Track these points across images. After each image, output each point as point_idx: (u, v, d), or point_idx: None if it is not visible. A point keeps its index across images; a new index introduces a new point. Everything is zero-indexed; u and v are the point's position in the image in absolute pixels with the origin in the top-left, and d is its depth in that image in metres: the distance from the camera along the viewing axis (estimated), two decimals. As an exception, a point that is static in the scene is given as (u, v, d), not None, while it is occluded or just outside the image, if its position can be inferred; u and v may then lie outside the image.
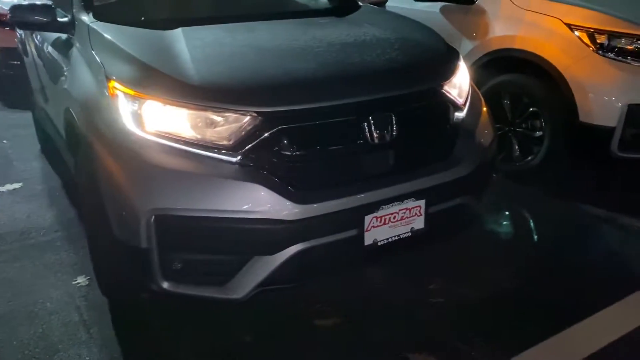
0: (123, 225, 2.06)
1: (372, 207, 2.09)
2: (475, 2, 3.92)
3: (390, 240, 2.17)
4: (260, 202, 1.96)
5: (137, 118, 2.04)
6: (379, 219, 2.11)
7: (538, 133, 3.64)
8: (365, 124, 2.10)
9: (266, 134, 2.01)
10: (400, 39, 2.61)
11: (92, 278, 2.70)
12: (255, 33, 2.58)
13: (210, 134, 2.02)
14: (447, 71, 2.46)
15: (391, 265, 2.69)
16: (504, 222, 3.30)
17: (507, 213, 3.41)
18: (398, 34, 2.67)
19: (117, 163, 2.06)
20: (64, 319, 2.47)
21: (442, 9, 4.13)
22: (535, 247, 2.98)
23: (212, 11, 3.00)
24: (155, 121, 2.04)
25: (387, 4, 3.88)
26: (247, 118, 2.01)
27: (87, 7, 2.69)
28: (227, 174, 1.98)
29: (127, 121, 2.05)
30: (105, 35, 2.42)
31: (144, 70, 2.14)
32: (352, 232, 2.09)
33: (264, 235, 1.99)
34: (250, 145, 2.00)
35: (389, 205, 2.12)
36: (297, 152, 2.03)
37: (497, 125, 3.14)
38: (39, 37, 3.63)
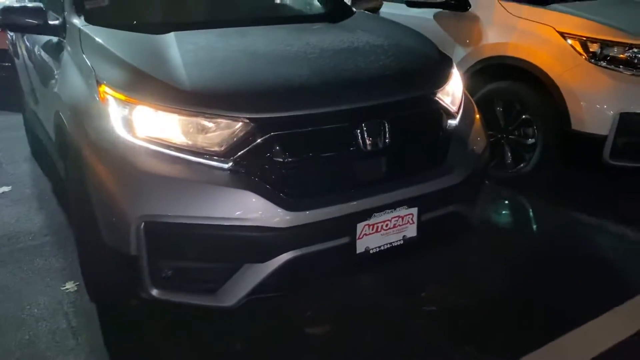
0: (112, 231, 2.04)
1: (365, 214, 2.07)
2: (468, 9, 3.93)
3: (382, 248, 2.15)
4: (251, 209, 1.94)
5: (128, 123, 2.02)
6: (371, 227, 2.10)
7: (530, 140, 3.64)
8: (358, 131, 2.09)
9: (258, 141, 1.99)
10: (393, 45, 2.61)
11: (80, 284, 2.67)
12: (248, 38, 2.56)
13: (202, 140, 2.00)
14: (441, 78, 2.46)
15: (383, 272, 2.67)
16: (496, 229, 3.30)
17: (499, 220, 3.41)
18: (391, 40, 2.67)
19: (107, 169, 2.04)
20: (52, 326, 2.43)
21: (435, 16, 4.14)
22: (528, 254, 2.97)
23: (205, 16, 2.98)
24: (146, 127, 2.02)
25: (381, 10, 3.88)
26: (239, 124, 1.99)
27: (79, 10, 2.67)
28: (218, 180, 1.96)
29: (118, 126, 2.03)
30: (97, 38, 2.39)
31: (135, 74, 2.12)
32: (344, 240, 2.07)
33: (255, 243, 1.97)
34: (241, 152, 1.99)
35: (382, 212, 2.10)
36: (289, 159, 2.02)
37: (490, 132, 3.16)
38: (30, 39, 3.60)
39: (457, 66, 2.70)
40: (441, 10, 4.08)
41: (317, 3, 3.36)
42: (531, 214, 3.49)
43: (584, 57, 3.35)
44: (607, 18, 3.47)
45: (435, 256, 2.71)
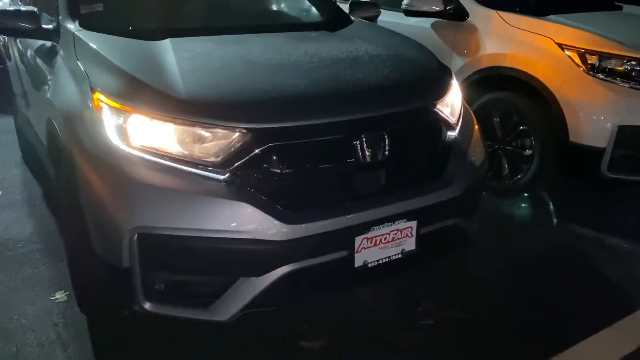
0: (104, 242, 1.99)
1: (363, 227, 2.04)
2: (466, 19, 3.92)
3: (380, 262, 2.11)
4: (248, 221, 1.90)
5: (122, 132, 1.98)
6: (369, 240, 2.06)
7: (528, 152, 3.62)
8: (357, 142, 2.06)
9: (256, 151, 1.95)
10: (393, 55, 2.58)
11: (70, 294, 2.61)
12: (245, 46, 2.52)
13: (198, 150, 1.96)
14: (440, 89, 2.43)
15: (379, 285, 2.63)
16: (492, 241, 3.26)
17: (495, 232, 3.37)
18: (391, 50, 2.64)
19: (100, 178, 1.99)
20: (40, 337, 2.37)
21: (433, 25, 4.12)
22: (525, 267, 2.94)
23: (201, 22, 2.94)
24: (141, 136, 1.97)
25: (379, 18, 3.86)
26: (237, 134, 1.95)
27: (74, 14, 2.62)
28: (214, 192, 1.92)
29: (112, 135, 1.98)
30: (91, 44, 2.35)
31: (130, 82, 2.08)
32: (342, 254, 2.03)
33: (251, 256, 1.93)
34: (238, 163, 1.94)
35: (381, 226, 2.07)
36: (287, 170, 1.98)
37: (487, 143, 3.13)
38: (22, 41, 3.54)
39: (454, 76, 2.67)
40: (439, 19, 4.06)
41: (315, 11, 3.33)
42: (528, 226, 3.46)
43: (582, 69, 3.34)
44: (606, 30, 3.47)
45: (430, 268, 2.67)
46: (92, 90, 2.10)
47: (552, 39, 3.45)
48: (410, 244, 2.17)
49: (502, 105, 3.73)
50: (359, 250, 2.05)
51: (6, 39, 4.42)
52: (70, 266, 2.44)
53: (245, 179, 1.95)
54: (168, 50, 2.28)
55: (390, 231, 2.10)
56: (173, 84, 2.03)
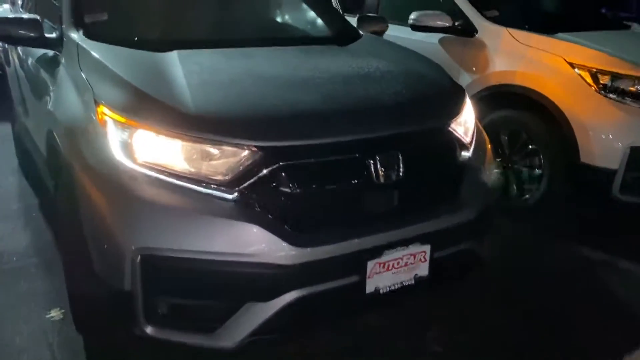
0: (105, 263, 1.90)
1: (376, 251, 1.96)
2: (475, 35, 3.87)
3: (392, 288, 2.03)
4: (256, 244, 1.82)
5: (127, 147, 1.89)
6: (382, 265, 1.98)
7: (537, 171, 3.56)
8: (371, 162, 1.98)
9: (265, 170, 1.87)
10: (405, 72, 2.51)
11: (67, 311, 2.51)
12: (254, 60, 2.45)
13: (206, 168, 1.88)
14: (454, 108, 2.37)
15: (388, 309, 2.54)
16: (500, 264, 3.18)
17: (502, 254, 3.29)
18: (403, 67, 2.57)
19: (103, 195, 1.90)
20: (35, 358, 2.27)
21: (441, 40, 4.07)
22: (533, 292, 2.86)
23: (208, 34, 2.86)
24: (147, 152, 1.89)
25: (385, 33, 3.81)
26: (246, 152, 1.87)
27: (78, 23, 2.54)
28: (222, 212, 1.84)
29: (116, 150, 1.90)
30: (96, 55, 2.27)
31: (136, 95, 2.00)
32: (354, 279, 1.95)
33: (259, 280, 1.84)
34: (247, 182, 1.86)
35: (393, 250, 1.99)
36: (298, 191, 1.89)
37: (495, 162, 3.06)
38: (23, 48, 3.46)
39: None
40: (447, 35, 4.01)
41: (323, 24, 3.26)
42: (537, 248, 3.38)
43: (593, 88, 3.29)
44: (617, 50, 3.42)
45: (439, 291, 2.58)
46: (96, 103, 2.02)
47: (563, 58, 3.40)
48: (423, 269, 2.09)
49: (511, 123, 3.67)
50: (370, 275, 1.96)
51: (7, 44, 4.34)
52: (67, 284, 2.34)
53: (254, 198, 1.87)
54: (175, 62, 2.21)
55: (404, 255, 2.02)
56: (181, 98, 1.95)
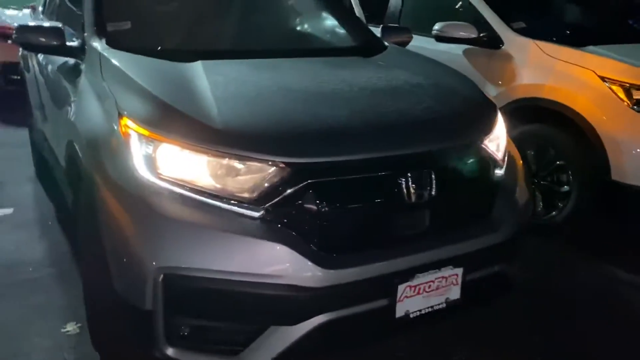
0: (126, 281, 1.83)
1: (407, 274, 1.87)
2: (501, 47, 3.78)
3: (423, 312, 1.94)
4: (283, 265, 1.74)
5: (150, 161, 1.83)
6: (413, 289, 1.89)
7: (564, 188, 3.45)
8: (403, 180, 1.89)
9: (293, 188, 1.79)
10: (436, 86, 2.43)
11: (83, 326, 2.45)
12: (279, 72, 2.39)
13: (232, 185, 1.81)
14: (487, 124, 2.28)
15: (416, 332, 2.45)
16: (525, 283, 3.07)
17: (528, 273, 3.19)
18: (433, 80, 2.49)
19: (124, 210, 1.84)
20: (50, 376, 2.21)
21: (465, 52, 3.98)
22: (560, 312, 2.75)
23: (232, 44, 2.81)
24: (171, 166, 1.82)
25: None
26: (274, 169, 1.80)
27: (100, 32, 2.49)
28: (247, 231, 1.76)
29: (139, 164, 1.83)
30: (119, 65, 2.22)
31: (161, 108, 1.94)
32: (383, 303, 1.86)
33: (285, 303, 1.76)
34: (275, 200, 1.79)
35: (425, 273, 1.90)
36: (327, 210, 1.81)
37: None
38: (43, 55, 3.43)
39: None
40: (471, 46, 3.93)
41: (347, 35, 3.19)
42: (564, 268, 3.26)
43: (626, 103, 3.19)
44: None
45: (468, 315, 2.48)
46: (119, 115, 1.96)
47: (594, 72, 3.30)
48: (455, 293, 1.99)
49: (538, 138, 3.57)
50: (401, 299, 1.87)
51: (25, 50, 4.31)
52: (86, 300, 2.28)
53: (281, 217, 1.79)
54: (200, 74, 2.15)
55: (435, 279, 1.93)
56: (207, 112, 1.89)
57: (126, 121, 1.93)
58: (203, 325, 1.81)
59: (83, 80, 2.38)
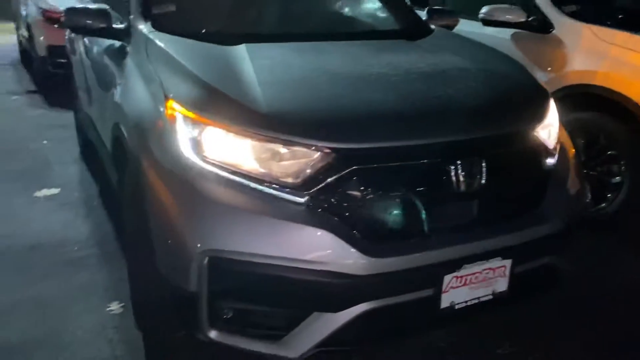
0: (170, 263, 1.84)
1: (454, 265, 1.82)
2: (551, 32, 3.63)
3: (468, 303, 1.89)
4: (327, 251, 1.71)
5: (197, 145, 1.82)
6: (459, 279, 1.84)
7: (616, 179, 3.31)
8: (452, 168, 1.84)
9: (339, 174, 1.75)
10: (486, 71, 2.35)
11: (126, 305, 2.50)
12: (324, 55, 2.35)
13: (276, 169, 1.79)
14: (540, 111, 2.19)
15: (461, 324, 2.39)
16: (573, 278, 2.97)
17: (577, 267, 3.08)
18: (483, 65, 2.41)
19: (170, 193, 1.84)
20: (94, 353, 2.26)
21: (513, 36, 3.84)
22: (610, 310, 2.64)
23: (276, 27, 2.78)
24: (217, 150, 1.81)
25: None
26: (319, 154, 1.77)
27: (146, 15, 2.50)
28: (291, 216, 1.74)
29: (185, 147, 1.83)
30: (165, 47, 2.22)
31: (206, 91, 1.93)
32: (428, 293, 1.82)
33: (328, 290, 1.73)
34: (320, 185, 1.76)
35: (473, 263, 1.84)
36: (373, 197, 1.77)
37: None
38: (89, 38, 3.48)
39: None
40: (520, 30, 3.79)
41: (392, 17, 3.12)
42: (616, 261, 3.14)
43: (687, 92, 3.02)
44: None
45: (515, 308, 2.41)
46: (166, 98, 1.96)
47: (652, 58, 3.13)
48: (502, 285, 1.93)
49: (589, 126, 3.42)
50: (446, 290, 1.83)
51: (72, 34, 4.39)
52: (130, 280, 2.31)
53: (326, 203, 1.76)
54: (244, 57, 2.12)
55: (483, 270, 1.87)
56: (252, 95, 1.87)
57: (172, 104, 1.92)
58: (246, 309, 1.81)
59: (129, 63, 2.39)
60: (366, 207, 1.77)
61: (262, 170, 1.78)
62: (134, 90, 2.24)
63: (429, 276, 1.80)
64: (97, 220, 3.44)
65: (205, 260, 1.73)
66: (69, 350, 2.26)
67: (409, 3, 3.86)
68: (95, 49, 3.25)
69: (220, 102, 1.87)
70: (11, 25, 9.71)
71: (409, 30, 2.90)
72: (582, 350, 2.36)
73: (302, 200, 1.76)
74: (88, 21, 2.53)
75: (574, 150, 2.36)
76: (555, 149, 2.20)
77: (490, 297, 1.93)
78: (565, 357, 2.31)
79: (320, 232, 1.71)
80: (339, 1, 3.27)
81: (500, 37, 3.84)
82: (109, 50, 2.81)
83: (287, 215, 1.74)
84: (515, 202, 2.02)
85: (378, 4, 3.22)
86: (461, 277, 1.84)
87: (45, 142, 4.96)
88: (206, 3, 2.82)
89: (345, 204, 1.77)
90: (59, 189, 3.88)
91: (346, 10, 3.23)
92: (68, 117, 4.98)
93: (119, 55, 2.57)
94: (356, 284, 1.73)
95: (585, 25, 3.49)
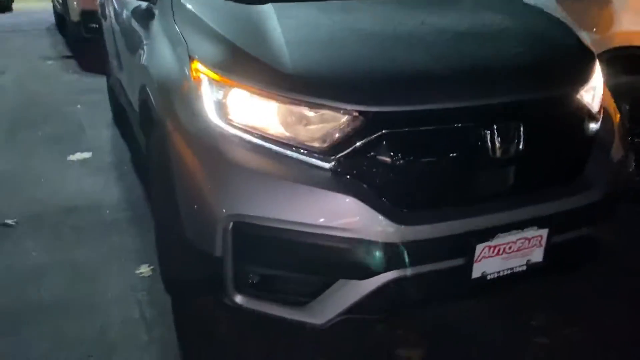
0: (196, 228, 1.82)
1: (487, 234, 1.74)
2: (598, -10, 3.40)
3: (501, 274, 1.82)
4: (354, 218, 1.66)
5: (222, 108, 1.78)
6: (492, 249, 1.77)
7: (664, 147, 3.14)
8: (488, 132, 1.74)
9: (367, 138, 1.69)
10: (527, 30, 2.21)
11: (155, 268, 2.52)
12: (353, 14, 2.24)
13: (303, 133, 1.73)
14: (584, 74, 2.06)
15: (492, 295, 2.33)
16: (614, 250, 2.84)
17: (618, 240, 2.95)
18: (523, 24, 2.27)
19: (196, 157, 1.81)
20: (124, 315, 2.28)
21: (557, -5, 3.63)
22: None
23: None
24: (242, 113, 1.76)
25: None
26: (347, 117, 1.70)
27: (171, -26, 2.43)
28: (318, 181, 1.68)
29: (210, 110, 1.79)
30: (190, 7, 2.16)
31: (232, 52, 1.87)
32: (459, 262, 1.76)
33: (355, 257, 1.69)
34: (347, 150, 1.70)
35: (507, 233, 1.76)
36: (402, 162, 1.70)
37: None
38: (118, 1, 3.45)
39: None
40: (564, -11, 3.57)
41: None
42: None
43: None
44: None
45: (550, 280, 2.32)
46: (190, 59, 1.91)
47: None
48: (537, 255, 1.85)
49: (635, 91, 3.23)
50: (478, 259, 1.76)
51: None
52: (157, 245, 2.32)
53: (354, 169, 1.70)
54: (271, 16, 2.04)
55: (517, 239, 1.79)
56: (278, 56, 1.80)
57: (197, 65, 1.88)
58: (271, 275, 1.79)
59: (155, 24, 2.35)
60: (395, 173, 1.71)
61: (288, 134, 1.73)
62: (160, 51, 2.20)
63: (460, 245, 1.74)
64: (128, 184, 3.47)
65: (230, 226, 1.70)
66: (100, 311, 2.30)
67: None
68: (124, 13, 3.21)
69: (245, 62, 1.81)
70: (46, -9, 9.79)
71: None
72: (621, 328, 2.26)
73: (328, 165, 1.70)
74: (114, -18, 2.49)
75: (619, 115, 2.23)
76: (599, 113, 2.08)
77: (525, 268, 1.85)
78: (603, 333, 2.22)
79: (346, 198, 1.66)
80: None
81: (542, -4, 3.63)
82: (136, 13, 2.76)
83: (313, 180, 1.68)
84: (554, 170, 1.92)
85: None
86: (494, 246, 1.76)
87: (79, 106, 5.02)
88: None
89: (374, 170, 1.70)
90: (91, 153, 3.93)
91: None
92: (101, 81, 5.01)
93: (145, 17, 2.53)
94: (383, 252, 1.67)
95: (635, -18, 3.26)
